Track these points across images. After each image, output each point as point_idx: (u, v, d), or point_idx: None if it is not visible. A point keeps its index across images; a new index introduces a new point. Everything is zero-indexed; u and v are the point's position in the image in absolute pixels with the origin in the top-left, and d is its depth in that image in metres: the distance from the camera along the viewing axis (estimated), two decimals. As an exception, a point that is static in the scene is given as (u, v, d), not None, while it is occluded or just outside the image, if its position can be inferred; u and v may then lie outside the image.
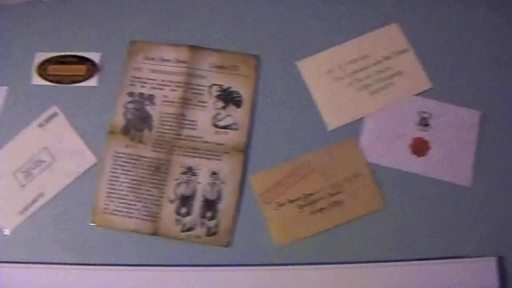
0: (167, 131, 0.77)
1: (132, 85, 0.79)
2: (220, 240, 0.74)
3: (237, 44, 0.80)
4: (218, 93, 0.78)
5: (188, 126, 0.77)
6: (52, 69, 0.81)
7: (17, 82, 0.82)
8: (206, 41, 0.80)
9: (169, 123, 0.77)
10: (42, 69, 0.81)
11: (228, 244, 0.74)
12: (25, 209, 0.78)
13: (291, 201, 0.75)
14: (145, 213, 0.75)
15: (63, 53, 0.81)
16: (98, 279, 0.75)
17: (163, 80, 0.79)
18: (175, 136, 0.77)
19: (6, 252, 0.78)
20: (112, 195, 0.76)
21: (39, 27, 0.84)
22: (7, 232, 0.78)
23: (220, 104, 0.78)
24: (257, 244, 0.74)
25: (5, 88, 0.82)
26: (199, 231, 0.74)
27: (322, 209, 0.74)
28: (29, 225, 0.78)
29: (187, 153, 0.76)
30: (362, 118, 0.77)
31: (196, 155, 0.76)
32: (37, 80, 0.81)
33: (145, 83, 0.79)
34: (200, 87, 0.78)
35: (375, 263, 0.72)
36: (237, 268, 0.73)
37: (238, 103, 0.78)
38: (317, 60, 0.79)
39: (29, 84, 0.82)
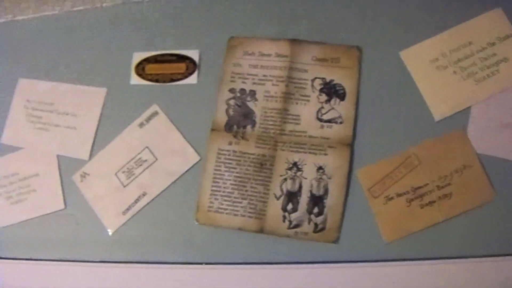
0: (271, 126, 0.76)
1: (232, 81, 0.78)
2: (328, 236, 0.72)
3: (338, 36, 0.78)
4: (321, 87, 0.76)
5: (292, 121, 0.76)
6: (150, 68, 0.81)
7: (116, 83, 0.82)
8: (306, 34, 0.79)
9: (272, 119, 0.76)
10: (140, 69, 0.81)
11: (336, 240, 0.72)
12: (128, 209, 0.78)
13: (399, 195, 0.73)
14: (251, 211, 0.74)
15: (161, 52, 0.81)
16: (204, 278, 0.75)
17: (264, 75, 0.78)
18: (279, 132, 0.76)
19: (110, 253, 0.78)
20: (217, 193, 0.75)
21: (135, 27, 0.84)
22: (110, 232, 0.78)
23: (324, 97, 0.76)
24: (365, 240, 0.72)
25: (104, 89, 0.82)
26: (306, 227, 0.73)
27: (431, 202, 0.72)
28: (132, 225, 0.78)
29: (291, 149, 0.75)
30: (468, 108, 0.74)
31: (301, 150, 0.75)
32: (136, 80, 0.81)
33: (246, 78, 0.78)
34: (302, 81, 0.77)
35: (488, 257, 0.69)
36: (345, 265, 0.72)
37: (341, 96, 0.76)
38: (420, 50, 0.77)
39: (127, 84, 0.82)
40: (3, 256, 0.80)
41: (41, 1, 0.85)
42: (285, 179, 0.74)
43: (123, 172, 0.79)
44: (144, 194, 0.77)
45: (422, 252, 0.70)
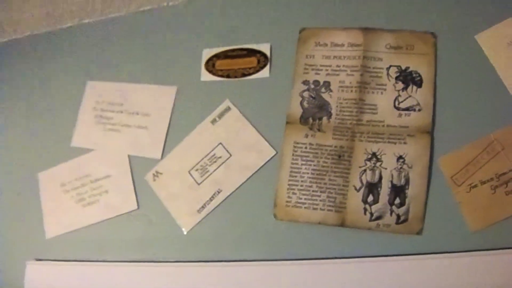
0: (347, 117, 0.75)
1: (306, 73, 0.77)
2: (411, 228, 0.70)
3: (410, 23, 0.76)
4: (397, 74, 0.75)
5: (369, 110, 0.74)
6: (221, 64, 0.80)
7: (186, 80, 0.82)
8: (378, 22, 0.77)
9: (349, 109, 0.75)
10: (211, 65, 0.81)
11: (420, 232, 0.70)
12: (203, 207, 0.77)
13: (483, 182, 0.70)
14: (330, 204, 0.73)
15: (231, 47, 0.80)
16: (284, 274, 0.73)
17: (338, 66, 0.77)
18: (356, 122, 0.74)
19: (185, 252, 0.77)
20: (294, 187, 0.74)
21: (203, 24, 0.84)
22: (185, 231, 0.77)
23: (400, 85, 0.74)
24: (450, 230, 0.70)
25: (175, 87, 0.82)
26: (389, 219, 0.71)
27: (517, 189, 0.69)
28: (208, 223, 0.77)
29: (370, 139, 0.73)
30: (551, 90, 0.72)
31: (379, 140, 0.73)
32: (206, 76, 0.81)
33: (319, 70, 0.77)
34: (377, 70, 0.75)
35: None
36: (430, 256, 0.69)
37: (418, 83, 0.74)
38: (497, 32, 0.75)
39: (198, 81, 0.81)
40: (77, 259, 0.80)
41: (107, 4, 0.85)
42: (365, 170, 0.73)
43: (197, 169, 0.78)
44: (219, 191, 0.76)
45: (510, 241, 0.67)
